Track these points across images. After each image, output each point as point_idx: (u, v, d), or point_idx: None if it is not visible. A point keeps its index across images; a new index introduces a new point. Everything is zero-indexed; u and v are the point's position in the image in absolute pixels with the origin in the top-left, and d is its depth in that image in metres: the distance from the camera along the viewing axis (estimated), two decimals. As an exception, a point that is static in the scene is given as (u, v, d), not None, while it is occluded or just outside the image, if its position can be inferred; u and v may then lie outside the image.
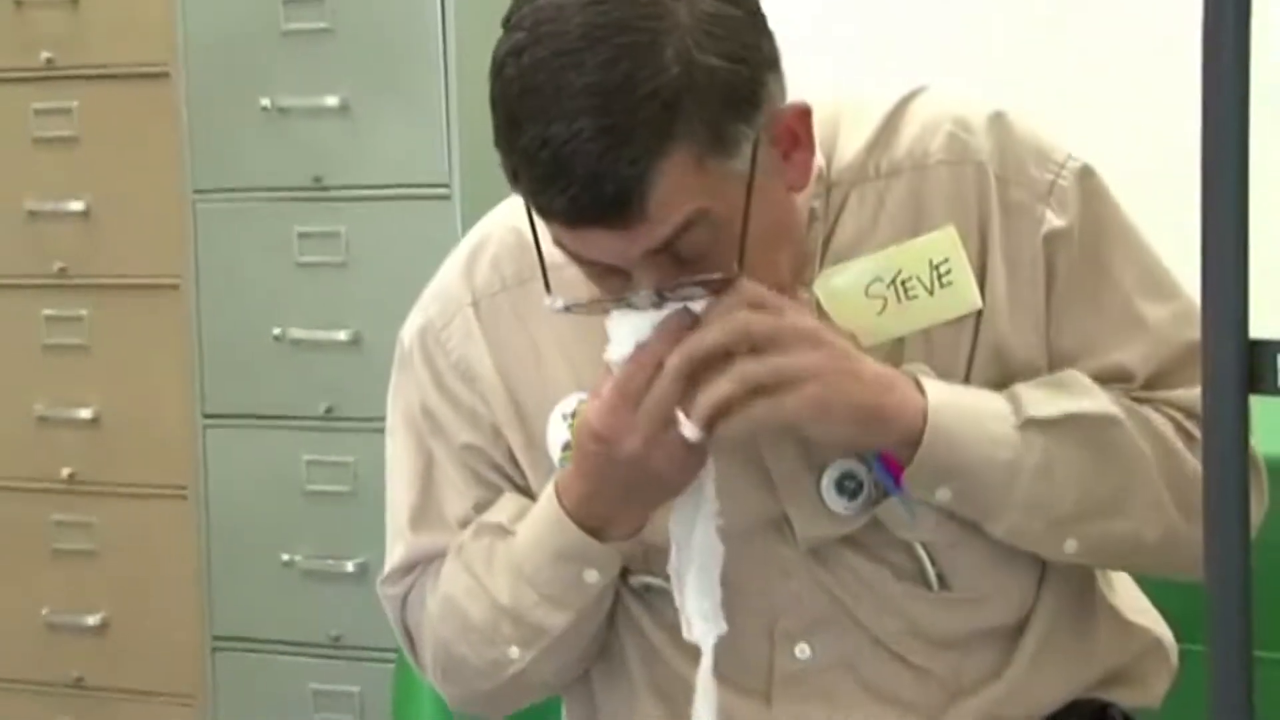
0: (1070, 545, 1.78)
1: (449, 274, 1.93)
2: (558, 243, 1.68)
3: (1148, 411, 1.79)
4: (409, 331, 1.93)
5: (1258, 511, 1.82)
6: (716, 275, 1.65)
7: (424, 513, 1.91)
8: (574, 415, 1.82)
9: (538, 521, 1.80)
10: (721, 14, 1.61)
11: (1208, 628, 1.08)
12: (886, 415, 1.71)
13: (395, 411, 1.95)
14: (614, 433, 1.68)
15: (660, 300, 1.66)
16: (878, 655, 1.83)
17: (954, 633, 1.84)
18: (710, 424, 1.65)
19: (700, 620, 1.75)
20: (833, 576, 1.82)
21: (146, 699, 3.94)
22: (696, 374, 1.65)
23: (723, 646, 1.76)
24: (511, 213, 1.90)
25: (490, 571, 1.84)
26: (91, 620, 3.96)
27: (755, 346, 1.66)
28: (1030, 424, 1.75)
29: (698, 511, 1.74)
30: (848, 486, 1.79)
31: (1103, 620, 1.89)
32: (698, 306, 1.67)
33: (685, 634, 1.75)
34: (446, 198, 3.49)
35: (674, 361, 1.65)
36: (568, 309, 1.72)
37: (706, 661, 1.74)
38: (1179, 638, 1.96)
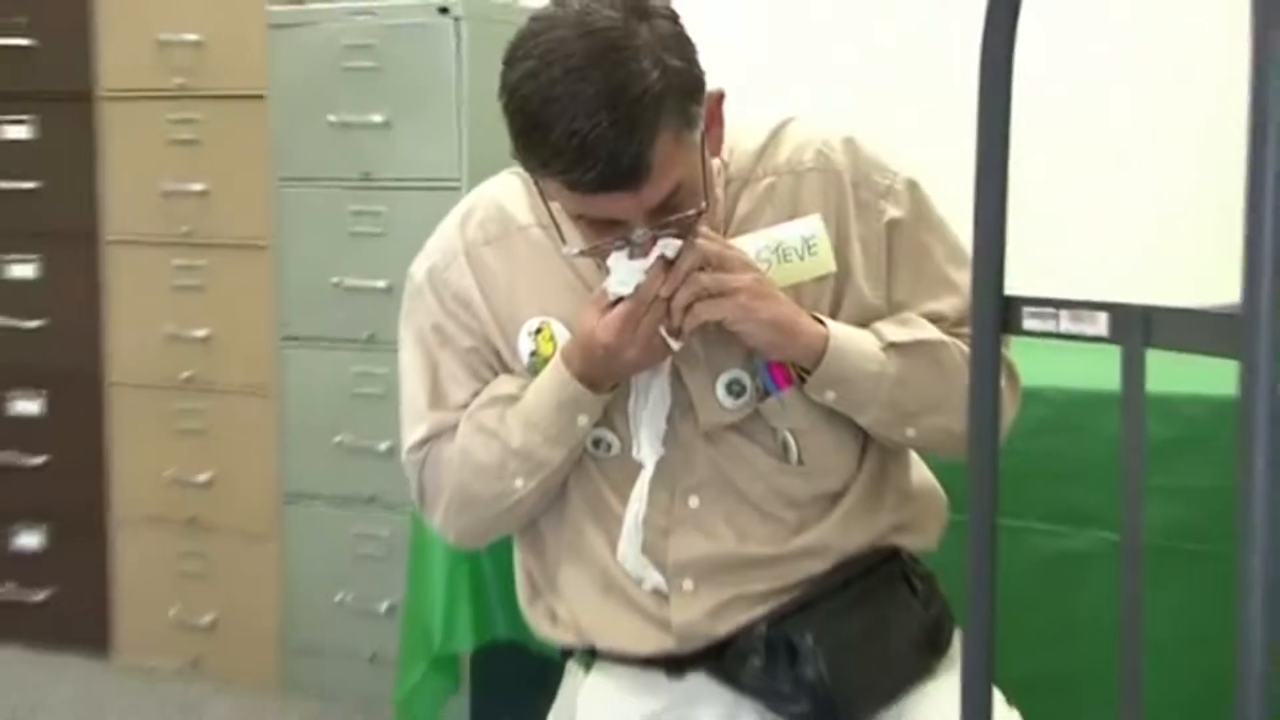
0: (910, 432, 1.84)
1: (447, 230, 1.93)
2: (574, 212, 1.69)
3: (956, 341, 1.83)
4: (419, 270, 1.93)
5: (1012, 408, 1.93)
6: (692, 211, 1.68)
7: (435, 401, 1.90)
8: (538, 332, 1.85)
9: (545, 382, 1.81)
10: (669, 30, 1.63)
11: (970, 493, 1.08)
12: (794, 331, 1.75)
13: (408, 330, 1.94)
14: (619, 345, 1.72)
15: (653, 237, 1.68)
16: (744, 507, 1.85)
17: (801, 494, 1.86)
18: (678, 322, 1.71)
19: (648, 445, 1.80)
20: (719, 452, 1.84)
21: (239, 535, 3.92)
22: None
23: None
24: (492, 188, 1.94)
25: (503, 425, 1.83)
26: (203, 478, 3.95)
27: (707, 266, 1.72)
28: (890, 347, 1.80)
29: (655, 373, 1.79)
30: (734, 389, 1.82)
31: (892, 489, 1.92)
32: (672, 252, 1.70)
33: (634, 454, 1.81)
34: (457, 189, 3.47)
35: (665, 291, 1.71)
36: (581, 253, 1.74)
37: (648, 472, 1.80)
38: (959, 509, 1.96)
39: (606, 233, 1.69)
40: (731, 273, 1.73)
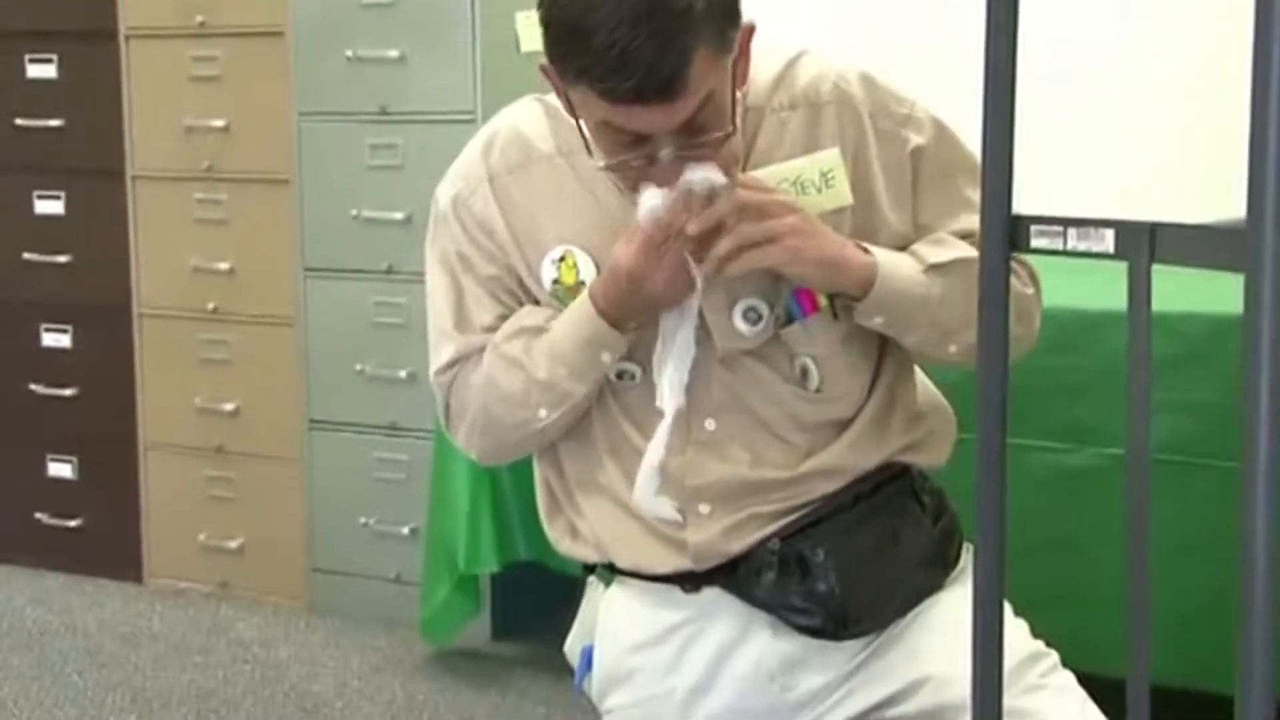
0: (952, 349, 1.83)
1: (471, 157, 1.90)
2: (604, 122, 1.65)
3: None
4: (444, 197, 1.91)
5: (1038, 313, 1.93)
6: (719, 134, 1.66)
7: (460, 323, 1.90)
8: (561, 260, 1.83)
9: (572, 317, 1.80)
10: None
11: (979, 410, 1.07)
12: (843, 265, 1.74)
13: (434, 254, 1.92)
14: (642, 273, 1.72)
15: (678, 156, 1.66)
16: (759, 431, 1.84)
17: (814, 419, 1.85)
18: (718, 270, 1.70)
19: (670, 392, 1.79)
20: (735, 377, 1.83)
21: (265, 461, 3.93)
22: (706, 238, 1.69)
23: (660, 419, 1.81)
24: (514, 115, 1.91)
25: (529, 356, 1.83)
26: (229, 407, 3.95)
27: (748, 215, 1.69)
28: (931, 269, 1.79)
29: (682, 319, 1.78)
30: (750, 316, 1.80)
31: (900, 411, 1.91)
32: (699, 186, 1.68)
33: (657, 402, 1.80)
34: (472, 121, 3.45)
35: (692, 229, 1.68)
36: (608, 168, 1.71)
37: (667, 421, 1.79)
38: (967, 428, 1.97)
39: (632, 149, 1.68)
40: (775, 218, 1.71)
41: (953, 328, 1.81)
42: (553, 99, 1.85)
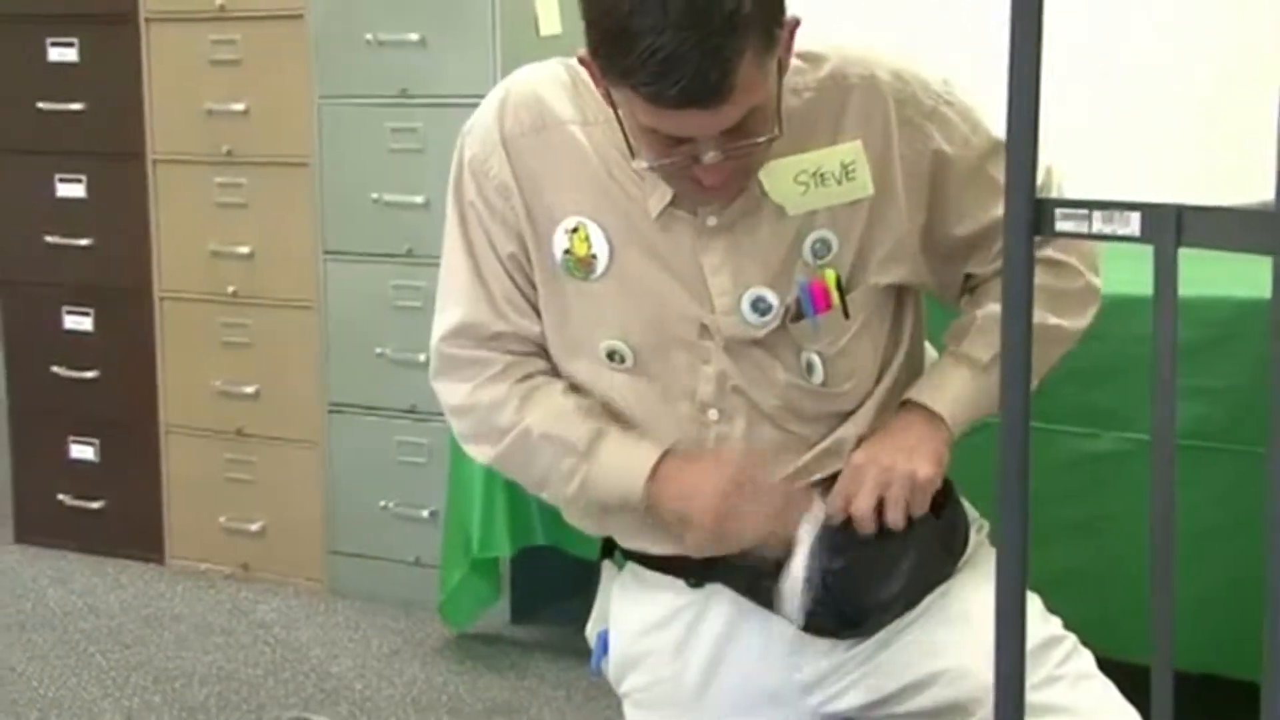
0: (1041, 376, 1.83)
1: (485, 118, 1.84)
2: (647, 126, 1.60)
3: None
4: (464, 157, 1.85)
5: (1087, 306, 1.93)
6: (763, 138, 1.63)
7: (474, 285, 1.86)
8: (574, 231, 1.79)
9: (621, 475, 1.81)
10: None
11: (1003, 398, 1.07)
12: (923, 445, 1.80)
13: (455, 205, 1.87)
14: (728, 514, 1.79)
15: (724, 157, 1.61)
16: (760, 422, 1.82)
17: (815, 412, 1.84)
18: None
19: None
20: (738, 367, 1.80)
21: (285, 444, 3.94)
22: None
23: (662, 409, 1.82)
24: (532, 76, 1.85)
25: (572, 473, 1.83)
26: (249, 389, 3.95)
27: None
28: (992, 362, 1.79)
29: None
30: (759, 306, 1.77)
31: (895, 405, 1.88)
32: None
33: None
34: (492, 105, 3.44)
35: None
36: (652, 169, 1.67)
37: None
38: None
39: (675, 150, 1.63)
40: (860, 484, 1.78)
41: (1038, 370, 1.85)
42: (581, 69, 1.83)
